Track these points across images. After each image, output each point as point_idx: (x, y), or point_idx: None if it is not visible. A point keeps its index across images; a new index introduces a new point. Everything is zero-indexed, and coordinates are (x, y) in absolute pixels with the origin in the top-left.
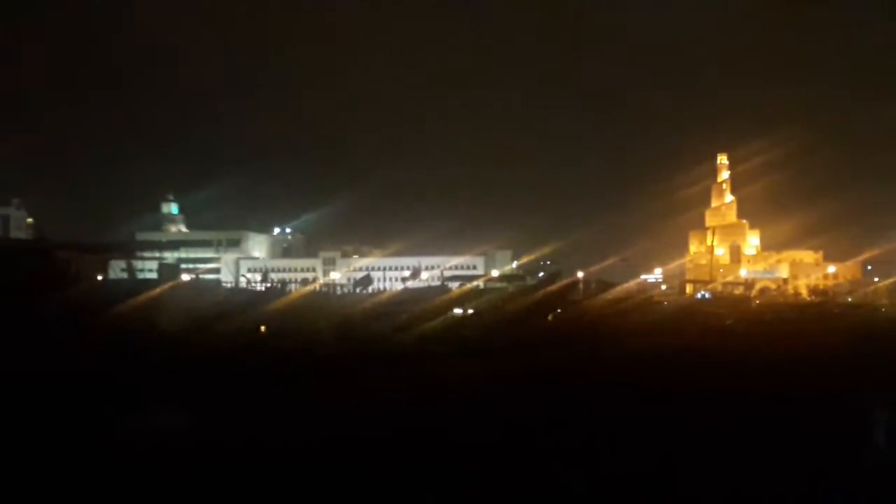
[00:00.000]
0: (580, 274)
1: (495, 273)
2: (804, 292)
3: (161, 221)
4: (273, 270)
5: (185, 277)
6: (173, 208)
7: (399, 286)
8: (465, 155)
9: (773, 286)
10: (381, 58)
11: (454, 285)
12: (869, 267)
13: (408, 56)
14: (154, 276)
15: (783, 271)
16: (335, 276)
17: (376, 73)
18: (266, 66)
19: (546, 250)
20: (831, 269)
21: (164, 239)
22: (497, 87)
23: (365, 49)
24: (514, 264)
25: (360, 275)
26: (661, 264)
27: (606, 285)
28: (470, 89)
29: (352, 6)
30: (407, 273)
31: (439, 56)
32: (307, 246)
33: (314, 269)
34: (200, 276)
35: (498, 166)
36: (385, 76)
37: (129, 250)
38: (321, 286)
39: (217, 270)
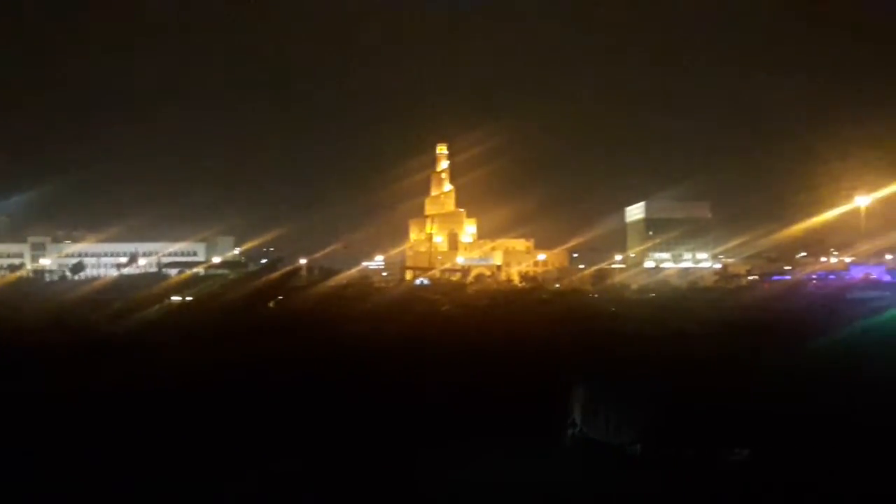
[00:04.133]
0: (303, 261)
1: (217, 260)
2: (516, 279)
3: None
4: None
5: None
6: None
7: (114, 273)
8: (187, 137)
9: (487, 273)
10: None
11: (173, 272)
12: (575, 255)
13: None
14: None
15: (497, 258)
16: (45, 262)
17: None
18: None
19: (269, 237)
20: (541, 256)
21: None
22: (226, 71)
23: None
24: (237, 251)
25: (72, 261)
26: (383, 251)
27: (329, 272)
28: (194, 73)
29: None
30: (123, 259)
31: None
32: (13, 230)
33: (21, 255)
34: None
35: (221, 151)
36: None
37: None
38: (29, 273)
39: None
